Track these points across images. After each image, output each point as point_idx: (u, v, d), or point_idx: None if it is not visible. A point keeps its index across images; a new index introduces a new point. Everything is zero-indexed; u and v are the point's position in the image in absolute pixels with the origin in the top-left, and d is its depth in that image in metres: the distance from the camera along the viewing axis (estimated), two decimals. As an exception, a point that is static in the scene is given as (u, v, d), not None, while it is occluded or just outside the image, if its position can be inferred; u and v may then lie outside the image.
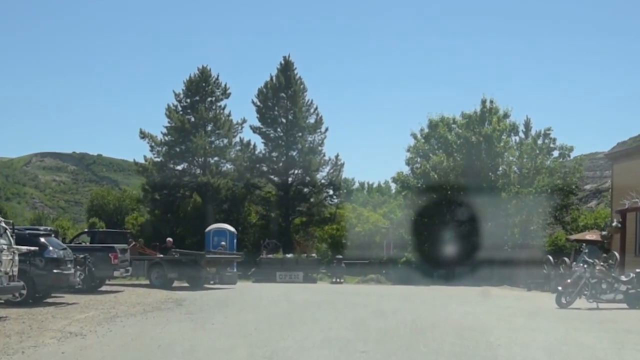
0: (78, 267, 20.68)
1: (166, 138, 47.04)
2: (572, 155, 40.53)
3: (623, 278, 20.14)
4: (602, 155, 54.97)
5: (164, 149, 46.99)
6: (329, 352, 10.78)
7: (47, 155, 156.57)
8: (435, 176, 38.62)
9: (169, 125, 46.93)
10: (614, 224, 26.36)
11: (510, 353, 10.81)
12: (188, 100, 47.66)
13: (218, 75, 48.44)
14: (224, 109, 48.74)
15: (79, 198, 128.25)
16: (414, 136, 41.37)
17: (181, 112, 47.37)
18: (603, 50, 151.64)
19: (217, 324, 14.79)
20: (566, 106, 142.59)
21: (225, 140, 48.07)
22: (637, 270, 20.19)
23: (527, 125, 42.49)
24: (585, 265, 19.93)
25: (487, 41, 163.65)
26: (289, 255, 37.18)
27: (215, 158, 47.96)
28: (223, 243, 32.67)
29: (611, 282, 19.90)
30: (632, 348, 11.63)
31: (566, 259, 27.69)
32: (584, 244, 25.25)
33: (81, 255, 21.46)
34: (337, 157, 47.73)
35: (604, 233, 28.33)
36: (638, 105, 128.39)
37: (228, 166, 48.61)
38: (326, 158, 47.64)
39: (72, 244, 27.94)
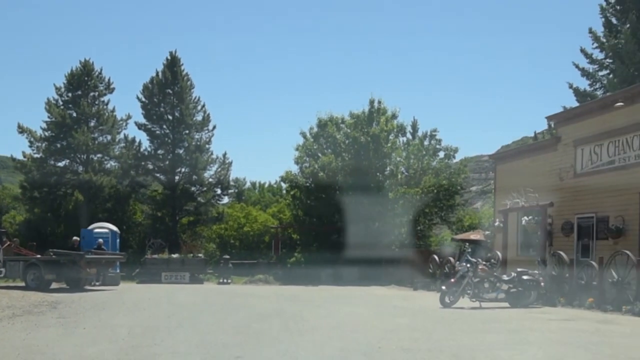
0: None
1: (46, 133, 45.05)
2: (457, 156, 41.59)
3: (505, 277, 20.48)
4: (487, 157, 56.83)
5: (44, 144, 44.95)
6: (201, 357, 10.26)
7: None
8: (324, 176, 38.52)
9: (49, 120, 44.96)
10: (497, 223, 26.80)
11: (393, 358, 10.54)
12: (69, 95, 45.67)
13: (101, 69, 46.81)
14: (107, 104, 47.00)
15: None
16: (303, 135, 41.23)
17: (62, 107, 45.40)
18: (488, 52, 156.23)
19: (89, 328, 14.06)
20: (452, 109, 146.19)
21: (109, 137, 46.40)
22: (518, 269, 20.63)
23: (414, 126, 43.42)
24: (469, 265, 20.07)
25: (375, 41, 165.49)
26: (175, 255, 36.56)
27: (99, 155, 46.18)
28: (100, 240, 31.40)
29: (493, 281, 20.16)
30: (513, 348, 11.57)
31: (451, 258, 28.20)
32: (467, 244, 25.62)
33: None
34: (224, 155, 46.87)
35: (487, 232, 28.82)
36: (521, 110, 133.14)
37: (112, 163, 46.99)
38: (214, 156, 46.70)
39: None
